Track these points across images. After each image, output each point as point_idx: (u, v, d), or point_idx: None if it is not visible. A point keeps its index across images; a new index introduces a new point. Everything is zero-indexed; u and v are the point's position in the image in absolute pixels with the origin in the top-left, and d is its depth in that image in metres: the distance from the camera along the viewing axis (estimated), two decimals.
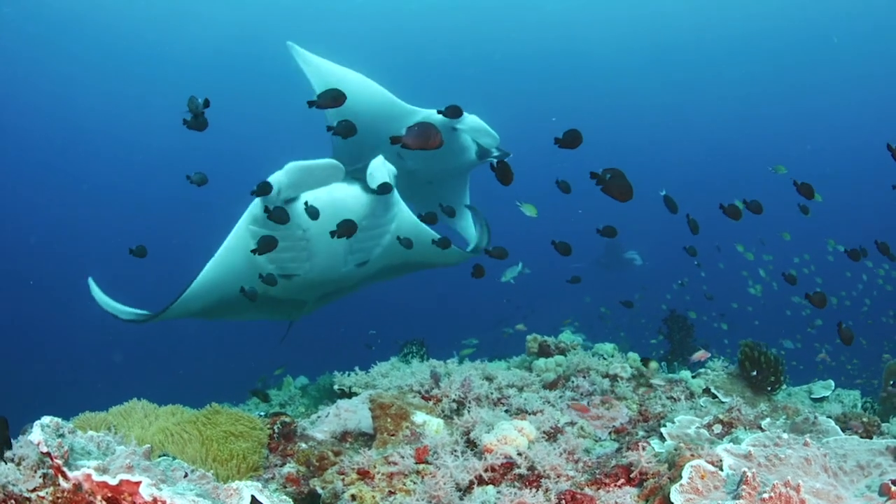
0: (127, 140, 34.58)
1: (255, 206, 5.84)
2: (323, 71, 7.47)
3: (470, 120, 7.84)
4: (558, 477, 2.98)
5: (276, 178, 5.54)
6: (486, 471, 3.01)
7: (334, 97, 5.06)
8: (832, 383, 5.21)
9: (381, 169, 5.82)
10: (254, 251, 5.42)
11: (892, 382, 4.97)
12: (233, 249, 6.07)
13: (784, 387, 5.02)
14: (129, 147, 34.82)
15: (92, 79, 32.03)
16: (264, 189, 5.35)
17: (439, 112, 6.29)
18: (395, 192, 6.11)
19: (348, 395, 4.74)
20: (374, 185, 5.71)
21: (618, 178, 4.32)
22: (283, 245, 5.56)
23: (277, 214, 5.35)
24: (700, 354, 5.44)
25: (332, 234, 5.34)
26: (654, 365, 4.86)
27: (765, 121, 34.19)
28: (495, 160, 8.02)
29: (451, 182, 9.16)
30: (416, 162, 8.25)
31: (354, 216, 5.70)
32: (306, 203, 5.51)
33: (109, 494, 2.07)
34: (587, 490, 2.87)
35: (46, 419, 2.27)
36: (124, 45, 30.35)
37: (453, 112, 6.27)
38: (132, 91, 32.48)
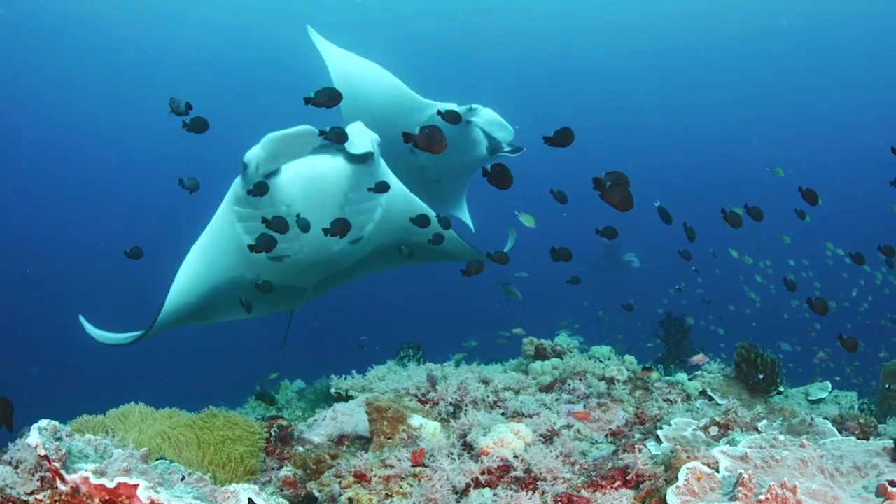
0: (120, 144, 34.53)
1: (237, 185, 5.66)
2: (341, 59, 7.44)
3: (485, 113, 7.78)
4: (554, 479, 2.99)
5: (253, 153, 5.33)
6: (482, 473, 3.02)
7: (331, 96, 5.03)
8: (829, 385, 5.21)
9: (360, 135, 5.60)
10: (251, 248, 5.33)
11: (886, 386, 4.97)
12: (217, 232, 5.89)
13: (781, 389, 5.04)
14: (123, 151, 34.78)
15: (86, 82, 31.98)
16: (261, 189, 5.28)
17: (439, 113, 6.20)
18: (383, 163, 5.90)
19: (345, 398, 4.74)
20: (352, 151, 5.48)
21: (618, 186, 4.31)
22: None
23: (277, 223, 5.26)
24: (699, 358, 5.44)
25: (326, 231, 5.28)
26: (655, 375, 4.87)
27: (762, 123, 34.26)
28: (510, 154, 8.02)
29: (457, 179, 9.14)
30: (428, 158, 8.20)
31: (338, 189, 5.54)
32: (298, 215, 5.38)
33: (107, 497, 2.07)
34: (583, 492, 2.88)
35: (44, 422, 2.27)
36: (118, 48, 30.30)
37: (453, 117, 6.21)
38: (127, 94, 32.46)
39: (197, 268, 5.92)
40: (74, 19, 27.96)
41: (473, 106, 7.70)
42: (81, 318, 6.39)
